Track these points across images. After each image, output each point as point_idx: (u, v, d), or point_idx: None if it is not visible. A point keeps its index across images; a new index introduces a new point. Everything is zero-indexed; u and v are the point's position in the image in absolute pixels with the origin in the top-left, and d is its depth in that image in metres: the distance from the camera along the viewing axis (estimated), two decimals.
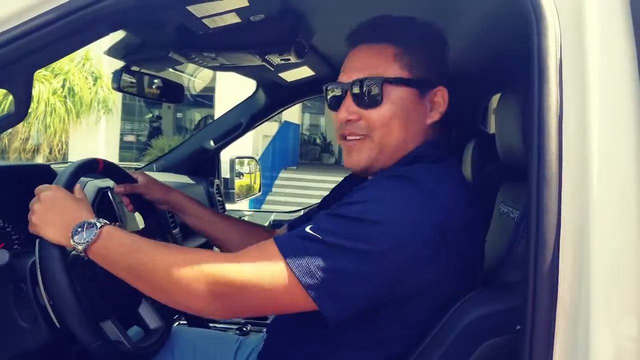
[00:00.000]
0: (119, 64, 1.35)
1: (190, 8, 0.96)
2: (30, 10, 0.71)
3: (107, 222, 0.80)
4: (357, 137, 0.83)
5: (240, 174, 2.17)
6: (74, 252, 0.87)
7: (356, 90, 0.81)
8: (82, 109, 9.40)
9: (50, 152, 9.54)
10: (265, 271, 0.70)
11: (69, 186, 0.88)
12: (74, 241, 0.78)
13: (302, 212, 2.17)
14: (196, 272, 0.72)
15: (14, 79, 0.75)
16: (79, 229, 0.78)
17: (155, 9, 0.82)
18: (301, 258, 0.69)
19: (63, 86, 9.20)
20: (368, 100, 0.81)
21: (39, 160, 9.26)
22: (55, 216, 0.80)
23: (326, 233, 0.70)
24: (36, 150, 9.66)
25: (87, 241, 0.77)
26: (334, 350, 0.81)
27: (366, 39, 0.84)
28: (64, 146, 9.69)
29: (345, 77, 0.84)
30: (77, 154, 9.43)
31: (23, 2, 0.71)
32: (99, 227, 0.78)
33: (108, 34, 0.77)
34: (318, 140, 15.32)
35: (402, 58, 0.81)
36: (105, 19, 0.73)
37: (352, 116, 0.82)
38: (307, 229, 0.71)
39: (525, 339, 0.61)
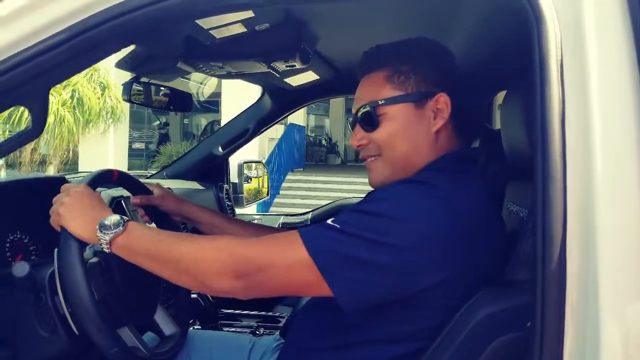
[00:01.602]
0: (126, 73, 1.38)
1: (198, 21, 0.98)
2: (44, 30, 0.74)
3: (130, 219, 0.85)
4: (372, 158, 0.92)
5: (248, 178, 2.19)
6: (92, 260, 0.89)
7: (360, 117, 0.90)
8: (91, 119, 9.48)
9: (60, 162, 9.63)
10: (285, 253, 0.75)
11: None
12: (100, 232, 0.81)
13: (310, 215, 2.18)
14: (220, 253, 0.77)
15: (30, 96, 0.78)
16: (106, 222, 0.82)
17: (164, 25, 0.84)
18: (319, 242, 0.74)
19: (72, 97, 9.27)
20: (370, 124, 0.89)
21: (50, 170, 9.35)
22: (82, 210, 0.85)
23: (345, 224, 0.75)
24: (46, 160, 9.76)
25: (115, 232, 0.81)
26: (347, 349, 0.83)
27: (365, 72, 0.93)
28: (73, 155, 9.78)
29: (353, 109, 0.93)
30: (87, 163, 9.51)
31: (36, 23, 0.74)
32: (125, 220, 0.83)
33: (119, 50, 0.79)
34: (324, 142, 15.32)
35: (393, 79, 0.88)
36: (116, 37, 0.75)
37: (361, 141, 0.91)
38: (329, 221, 0.77)
39: (535, 336, 0.62)
